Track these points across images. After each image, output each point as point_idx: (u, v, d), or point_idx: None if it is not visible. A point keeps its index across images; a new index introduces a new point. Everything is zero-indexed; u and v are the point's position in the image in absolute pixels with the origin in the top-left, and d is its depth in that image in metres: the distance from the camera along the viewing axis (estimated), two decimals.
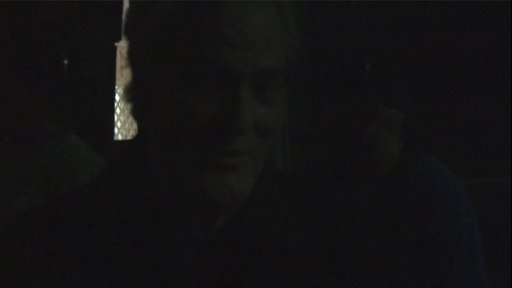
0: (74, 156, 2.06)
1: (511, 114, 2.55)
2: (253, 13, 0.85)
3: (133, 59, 0.93)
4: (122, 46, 3.61)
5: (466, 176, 1.90)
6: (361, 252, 1.06)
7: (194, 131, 0.85)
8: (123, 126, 4.32)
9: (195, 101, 0.84)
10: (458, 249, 1.61)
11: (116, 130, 4.02)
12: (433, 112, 2.73)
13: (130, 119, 3.91)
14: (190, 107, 0.84)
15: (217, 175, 0.86)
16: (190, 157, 0.86)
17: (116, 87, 3.80)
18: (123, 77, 3.81)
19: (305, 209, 1.05)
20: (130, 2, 0.96)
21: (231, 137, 0.85)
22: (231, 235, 0.94)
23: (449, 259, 1.61)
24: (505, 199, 2.42)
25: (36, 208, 1.08)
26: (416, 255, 1.62)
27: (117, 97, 3.92)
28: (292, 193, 1.07)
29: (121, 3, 3.53)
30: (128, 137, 4.41)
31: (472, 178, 2.39)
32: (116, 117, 3.97)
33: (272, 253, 0.96)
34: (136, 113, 0.95)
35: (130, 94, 0.94)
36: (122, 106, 4.07)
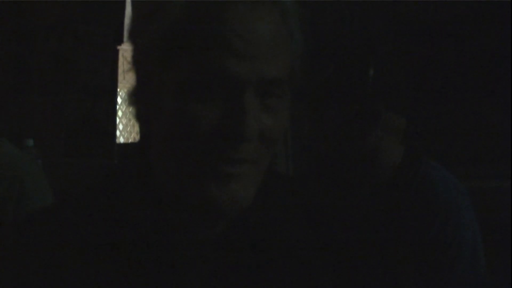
0: None
1: (511, 117, 2.55)
2: (258, 21, 0.86)
3: (137, 64, 0.93)
4: (124, 49, 3.61)
5: (466, 179, 1.90)
6: (363, 257, 1.07)
7: (199, 138, 0.85)
8: (125, 129, 4.32)
9: (200, 109, 0.84)
10: (460, 254, 1.61)
11: (118, 133, 4.01)
12: (435, 115, 2.73)
13: (132, 122, 3.92)
14: (195, 115, 0.84)
15: (221, 183, 0.86)
16: (194, 165, 0.86)
17: (119, 90, 3.81)
18: (125, 80, 3.81)
19: (307, 212, 1.06)
20: (133, 6, 0.97)
21: (236, 145, 0.85)
22: (234, 237, 0.95)
23: (451, 265, 1.61)
24: (506, 203, 2.42)
25: (38, 211, 1.08)
26: (417, 260, 1.62)
27: (119, 100, 3.92)
28: (294, 196, 1.07)
29: (123, 7, 3.54)
30: (130, 140, 4.41)
31: (472, 181, 2.39)
32: (118, 120, 3.97)
33: (274, 256, 0.97)
34: (140, 117, 0.96)
35: (134, 98, 0.94)
36: (124, 109, 4.07)
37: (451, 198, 1.66)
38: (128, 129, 4.41)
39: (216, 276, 0.93)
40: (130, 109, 0.96)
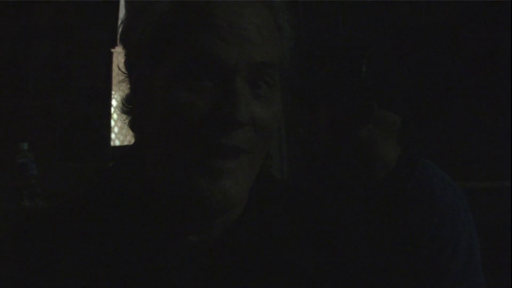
0: None
1: (510, 117, 2.56)
2: (245, 10, 0.87)
3: (130, 66, 0.94)
4: (118, 51, 3.61)
5: (465, 179, 1.90)
6: (359, 257, 1.07)
7: (192, 127, 0.85)
8: (120, 132, 4.32)
9: (192, 97, 0.85)
10: (455, 255, 1.61)
11: (113, 136, 4.01)
12: (432, 115, 2.73)
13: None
14: (187, 103, 0.85)
15: (213, 179, 0.87)
16: (187, 159, 0.86)
17: (113, 92, 3.81)
18: (119, 82, 3.80)
19: (302, 215, 1.05)
20: (126, 8, 0.98)
21: (229, 130, 0.85)
22: (228, 241, 0.95)
23: (447, 265, 1.61)
24: (505, 203, 2.42)
25: (36, 213, 1.08)
26: (413, 260, 1.62)
27: (113, 103, 3.92)
28: (289, 199, 1.07)
29: (117, 10, 3.55)
30: (125, 143, 4.41)
31: (471, 181, 2.40)
32: (113, 123, 3.97)
33: (269, 260, 0.96)
34: (134, 122, 0.96)
35: (128, 105, 0.95)
36: (119, 112, 4.06)
37: (448, 199, 1.66)
38: (123, 131, 4.40)
39: (210, 280, 0.92)
40: (126, 117, 0.97)
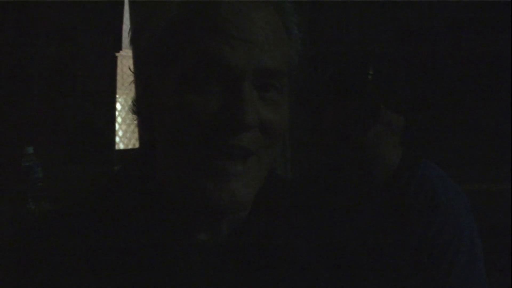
0: None
1: (511, 119, 2.56)
2: (254, 14, 0.87)
3: (139, 68, 0.95)
4: (123, 55, 3.62)
5: (465, 182, 1.91)
6: (362, 256, 1.07)
7: (200, 130, 0.86)
8: (125, 135, 4.32)
9: (200, 100, 0.86)
10: (458, 254, 1.62)
11: (117, 139, 4.02)
12: (433, 117, 2.73)
13: (132, 128, 3.91)
14: (195, 106, 0.86)
15: (221, 181, 0.87)
16: (195, 162, 0.87)
17: (117, 96, 3.81)
18: (124, 86, 3.82)
19: (309, 214, 1.06)
20: (133, 12, 0.99)
21: (237, 133, 0.86)
22: (236, 240, 0.96)
23: (449, 264, 1.61)
24: (505, 205, 2.42)
25: (44, 214, 1.09)
26: (416, 259, 1.62)
27: (118, 106, 3.93)
28: (296, 199, 1.08)
29: (122, 14, 3.55)
30: (129, 146, 4.42)
31: (471, 184, 2.40)
32: (117, 126, 3.97)
33: (276, 259, 0.97)
34: (143, 123, 0.97)
35: (137, 106, 0.96)
36: (123, 115, 4.08)
37: (450, 199, 1.67)
38: (128, 135, 4.41)
39: (219, 279, 0.93)
40: (134, 117, 0.97)
